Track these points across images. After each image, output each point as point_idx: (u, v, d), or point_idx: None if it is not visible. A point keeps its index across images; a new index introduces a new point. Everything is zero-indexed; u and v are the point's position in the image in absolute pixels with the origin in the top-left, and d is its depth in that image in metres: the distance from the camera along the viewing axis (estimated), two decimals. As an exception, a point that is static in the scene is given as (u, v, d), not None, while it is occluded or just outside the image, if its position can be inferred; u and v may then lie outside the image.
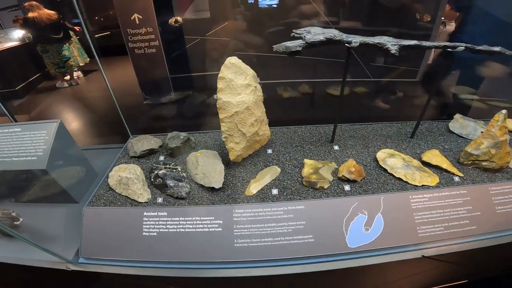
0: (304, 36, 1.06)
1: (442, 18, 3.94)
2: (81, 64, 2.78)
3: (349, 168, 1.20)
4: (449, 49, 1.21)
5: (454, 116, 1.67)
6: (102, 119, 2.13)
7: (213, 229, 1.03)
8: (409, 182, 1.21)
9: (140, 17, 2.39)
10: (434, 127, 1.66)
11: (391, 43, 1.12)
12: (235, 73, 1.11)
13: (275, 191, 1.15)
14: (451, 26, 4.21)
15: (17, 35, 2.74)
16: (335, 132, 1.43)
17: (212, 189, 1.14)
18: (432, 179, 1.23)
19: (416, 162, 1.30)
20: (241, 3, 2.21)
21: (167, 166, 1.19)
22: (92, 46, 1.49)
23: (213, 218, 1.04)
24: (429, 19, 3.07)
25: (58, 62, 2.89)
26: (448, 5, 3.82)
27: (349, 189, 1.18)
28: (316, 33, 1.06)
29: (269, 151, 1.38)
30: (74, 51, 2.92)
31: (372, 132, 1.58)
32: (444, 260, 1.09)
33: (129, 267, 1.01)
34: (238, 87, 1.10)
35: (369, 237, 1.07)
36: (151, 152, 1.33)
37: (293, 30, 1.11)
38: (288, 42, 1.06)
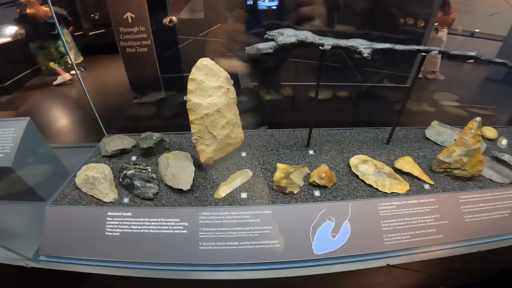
0: (276, 38, 1.04)
1: (436, 24, 3.94)
2: (77, 62, 2.70)
3: (320, 173, 1.19)
4: (423, 53, 1.20)
5: (431, 123, 1.67)
6: (84, 117, 2.08)
7: (178, 231, 1.01)
8: (379, 189, 1.21)
9: (133, 16, 2.35)
10: (411, 133, 1.66)
11: (364, 46, 1.11)
12: (207, 74, 1.09)
13: (244, 195, 1.13)
14: (443, 32, 4.21)
15: (10, 31, 2.69)
16: (310, 136, 1.42)
17: (181, 190, 1.12)
18: (402, 186, 1.22)
19: (388, 169, 1.30)
20: (237, 5, 2.15)
21: (137, 166, 1.16)
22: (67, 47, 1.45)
23: (178, 220, 1.02)
24: (422, 25, 3.07)
25: (54, 59, 2.82)
26: (441, 11, 3.82)
27: (319, 194, 1.17)
28: (288, 35, 1.05)
29: (243, 153, 1.37)
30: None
31: (349, 137, 1.58)
32: (408, 268, 1.08)
33: (90, 265, 0.99)
34: (209, 89, 1.08)
35: (335, 244, 1.06)
36: (123, 152, 1.30)
37: (267, 32, 1.09)
38: (260, 44, 1.04)
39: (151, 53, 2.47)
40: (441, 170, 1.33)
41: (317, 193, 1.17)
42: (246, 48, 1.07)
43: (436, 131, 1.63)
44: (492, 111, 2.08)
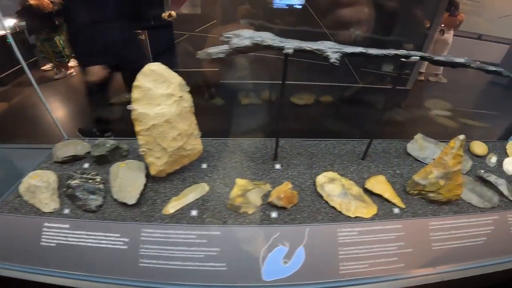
0: (230, 41, 0.93)
1: (442, 25, 3.71)
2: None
3: (279, 193, 1.10)
4: (402, 59, 1.08)
5: (415, 136, 1.54)
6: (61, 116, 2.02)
7: (118, 246, 0.96)
8: (343, 212, 1.11)
9: None
10: (392, 147, 1.55)
11: (332, 50, 0.99)
12: (155, 81, 0.99)
13: (194, 212, 1.06)
14: (449, 34, 3.98)
15: (8, 23, 2.66)
16: (277, 149, 1.32)
17: (128, 204, 1.05)
18: (368, 210, 1.12)
19: (356, 190, 1.20)
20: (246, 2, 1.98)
21: (84, 176, 1.09)
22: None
23: (119, 235, 0.97)
24: (428, 26, 2.89)
25: (60, 51, 2.77)
26: (447, 12, 3.59)
27: (276, 216, 1.08)
28: (244, 37, 0.94)
29: (204, 165, 1.29)
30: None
31: (323, 149, 1.47)
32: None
33: (22, 272, 0.95)
34: (157, 97, 0.99)
35: (286, 271, 0.99)
36: (75, 159, 1.23)
37: (223, 33, 0.98)
38: (212, 47, 0.94)
39: (145, 48, 2.41)
40: (415, 192, 1.23)
41: (274, 214, 1.09)
42: (197, 52, 0.96)
43: (419, 145, 1.51)
44: (486, 124, 1.93)
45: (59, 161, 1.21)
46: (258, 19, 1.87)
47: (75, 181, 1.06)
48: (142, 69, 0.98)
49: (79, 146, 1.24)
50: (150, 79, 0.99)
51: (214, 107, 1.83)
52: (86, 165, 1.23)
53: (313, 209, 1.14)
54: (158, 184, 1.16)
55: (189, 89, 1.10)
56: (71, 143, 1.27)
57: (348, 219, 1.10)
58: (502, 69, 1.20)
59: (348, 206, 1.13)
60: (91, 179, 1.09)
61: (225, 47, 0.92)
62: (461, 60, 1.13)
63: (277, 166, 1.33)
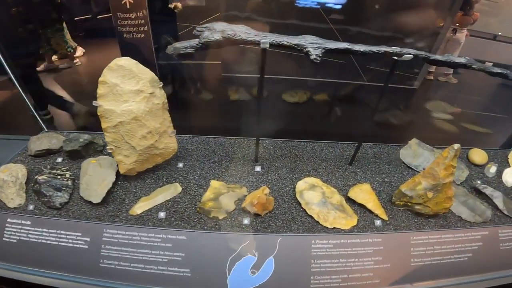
0: (201, 35, 0.86)
1: (457, 24, 3.49)
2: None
3: (253, 199, 1.04)
4: (394, 57, 0.98)
5: (410, 141, 1.44)
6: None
7: (78, 245, 0.93)
8: (320, 222, 1.05)
9: (131, 1, 2.23)
10: (384, 152, 1.46)
11: (314, 46, 0.90)
12: (123, 77, 0.93)
13: (162, 215, 1.02)
14: (462, 34, 3.74)
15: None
16: (257, 150, 1.25)
17: (99, 202, 1.01)
18: (347, 221, 1.06)
19: (337, 199, 1.13)
20: None
21: (53, 171, 1.06)
22: None
23: (80, 234, 0.94)
24: (441, 24, 2.73)
25: (67, 40, 2.67)
26: (461, 11, 3.38)
27: (248, 223, 1.03)
28: (216, 31, 0.86)
29: (180, 164, 1.23)
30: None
31: (309, 152, 1.40)
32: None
33: None
34: (124, 94, 0.94)
35: (254, 282, 0.94)
36: (49, 153, 1.20)
37: (196, 27, 0.90)
38: (180, 42, 0.87)
39: (148, 40, 2.37)
40: (402, 203, 1.15)
41: (246, 221, 1.03)
42: (167, 47, 0.89)
43: (413, 151, 1.41)
44: (489, 129, 1.80)
45: (32, 154, 1.18)
46: (281, 18, 1.70)
47: (42, 177, 1.03)
48: (109, 64, 0.92)
49: (54, 140, 1.21)
50: (117, 74, 0.93)
51: (201, 102, 1.76)
52: (59, 160, 1.20)
53: (289, 217, 1.07)
54: (129, 183, 1.12)
55: (162, 85, 1.04)
56: (46, 136, 1.23)
57: (325, 230, 1.04)
58: (509, 72, 1.08)
59: (326, 216, 1.06)
60: (60, 175, 1.06)
61: (194, 42, 0.85)
62: (461, 60, 1.03)
63: (258, 169, 1.27)
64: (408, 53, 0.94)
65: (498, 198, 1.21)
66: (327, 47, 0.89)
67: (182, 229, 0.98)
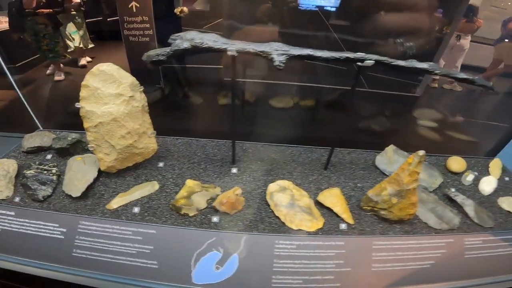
0: (173, 43, 0.93)
1: (460, 31, 3.48)
2: (90, 46, 2.46)
3: (222, 199, 1.10)
4: (358, 63, 1.00)
5: (386, 148, 1.47)
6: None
7: (55, 236, 1.01)
8: (286, 223, 1.09)
9: (138, 5, 2.36)
10: (361, 158, 1.49)
11: (278, 52, 0.95)
12: (104, 81, 1.02)
13: (136, 210, 1.09)
14: (466, 40, 3.74)
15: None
16: (234, 152, 1.31)
17: (78, 196, 1.09)
18: (313, 223, 1.09)
19: (306, 201, 1.17)
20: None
21: (41, 166, 1.15)
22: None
23: (57, 225, 1.02)
24: (447, 31, 2.75)
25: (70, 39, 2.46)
26: (464, 17, 3.38)
27: (217, 221, 1.08)
28: (186, 39, 0.93)
29: (161, 164, 1.31)
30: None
31: (287, 156, 1.45)
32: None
33: None
34: (105, 97, 1.02)
35: (217, 277, 0.99)
36: (40, 150, 1.30)
37: (171, 36, 0.98)
38: (153, 50, 0.94)
39: (152, 43, 2.48)
40: (369, 208, 1.18)
41: (215, 219, 1.09)
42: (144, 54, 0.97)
43: (388, 158, 1.44)
44: (474, 138, 1.80)
45: (25, 151, 1.28)
46: (280, 21, 1.79)
47: (30, 171, 1.12)
48: (92, 69, 1.01)
49: (45, 138, 1.31)
50: (99, 79, 1.01)
51: (190, 105, 1.84)
52: (48, 157, 1.29)
53: (257, 217, 1.12)
54: (110, 179, 1.20)
55: (142, 89, 1.12)
56: (39, 134, 1.34)
57: (290, 231, 1.08)
58: (477, 77, 1.08)
59: (293, 218, 1.10)
60: (46, 170, 1.15)
61: (166, 50, 0.92)
62: (424, 65, 1.04)
63: (234, 170, 1.33)
64: (370, 59, 0.98)
65: (469, 206, 1.22)
66: (290, 54, 0.95)
67: (153, 223, 1.04)
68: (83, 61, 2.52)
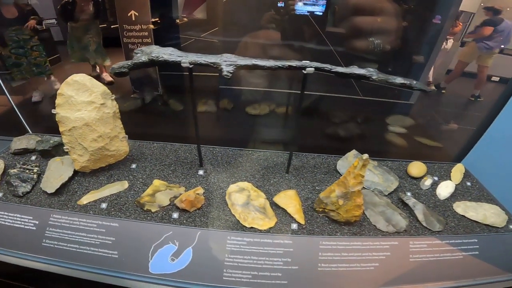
0: (135, 56, 1.06)
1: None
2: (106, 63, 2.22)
3: (182, 197, 1.20)
4: (303, 70, 1.08)
5: (348, 153, 1.55)
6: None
7: (28, 227, 1.14)
8: (240, 221, 1.19)
9: (136, 14, 2.49)
10: (325, 162, 1.57)
11: (227, 63, 1.06)
12: (78, 90, 1.15)
13: (104, 205, 1.20)
14: (449, 43, 3.81)
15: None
16: (200, 156, 1.42)
17: (52, 193, 1.22)
18: (265, 222, 1.18)
19: (260, 202, 1.26)
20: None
21: (24, 166, 1.29)
22: None
23: (31, 217, 1.15)
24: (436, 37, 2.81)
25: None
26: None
27: (177, 217, 1.19)
28: (146, 53, 1.06)
29: (133, 165, 1.43)
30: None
31: (254, 160, 1.55)
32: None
33: None
34: (78, 104, 1.15)
35: (172, 268, 1.08)
36: (26, 151, 1.45)
37: (136, 49, 1.11)
38: (118, 63, 1.07)
39: None
40: (320, 209, 1.26)
41: (175, 215, 1.19)
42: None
43: (349, 163, 1.52)
44: (440, 144, 1.85)
45: (12, 152, 1.43)
46: (280, 26, 1.95)
47: (14, 170, 1.26)
48: (67, 79, 1.15)
49: (31, 141, 1.46)
50: (73, 88, 1.15)
51: (171, 112, 1.97)
52: (33, 158, 1.44)
53: (215, 215, 1.22)
54: (85, 179, 1.33)
55: (113, 97, 1.25)
56: (26, 137, 1.49)
57: (243, 228, 1.17)
58: (415, 82, 1.13)
59: (246, 217, 1.19)
60: (28, 169, 1.29)
61: (128, 63, 1.05)
62: (361, 71, 1.10)
63: (200, 172, 1.43)
64: (310, 66, 1.07)
65: (419, 210, 1.28)
66: (238, 64, 1.05)
67: (116, 217, 1.16)
68: (108, 76, 2.28)
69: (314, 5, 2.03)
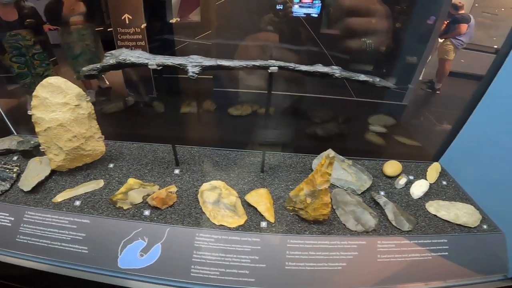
0: (104, 59, 1.11)
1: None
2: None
3: (153, 195, 1.25)
4: (268, 69, 1.10)
5: (323, 152, 1.58)
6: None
7: (4, 224, 1.19)
8: (210, 219, 1.22)
9: (130, 17, 2.56)
10: (302, 161, 1.61)
11: (192, 64, 1.10)
12: (52, 92, 1.21)
13: (77, 203, 1.25)
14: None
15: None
16: (176, 155, 1.47)
17: (29, 191, 1.28)
18: (234, 220, 1.22)
19: (231, 200, 1.29)
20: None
21: (4, 166, 1.35)
22: None
23: (8, 214, 1.21)
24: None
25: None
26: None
27: (148, 214, 1.23)
28: (114, 56, 1.11)
29: (111, 165, 1.48)
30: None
31: (230, 159, 1.59)
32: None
33: None
34: (53, 105, 1.21)
35: (141, 263, 1.12)
36: (9, 152, 1.51)
37: (106, 52, 1.16)
38: (87, 66, 1.13)
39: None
40: (291, 208, 1.29)
41: (146, 212, 1.23)
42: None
43: (324, 163, 1.54)
44: (419, 143, 1.87)
45: (-6, 152, 1.50)
46: (278, 27, 2.01)
47: (-6, 169, 1.32)
48: (42, 81, 1.21)
49: (14, 142, 1.52)
50: (48, 90, 1.21)
51: (153, 113, 2.03)
52: (15, 158, 1.50)
53: (186, 212, 1.26)
54: (62, 177, 1.38)
55: (88, 99, 1.31)
56: (9, 138, 1.55)
57: (212, 226, 1.20)
58: (378, 79, 1.15)
59: (216, 214, 1.23)
60: (9, 169, 1.35)
61: (97, 66, 1.10)
62: (325, 69, 1.13)
63: (176, 171, 1.48)
64: (274, 66, 1.10)
65: (389, 209, 1.30)
66: (203, 65, 1.09)
67: (88, 214, 1.20)
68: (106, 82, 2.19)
69: (310, 7, 2.10)
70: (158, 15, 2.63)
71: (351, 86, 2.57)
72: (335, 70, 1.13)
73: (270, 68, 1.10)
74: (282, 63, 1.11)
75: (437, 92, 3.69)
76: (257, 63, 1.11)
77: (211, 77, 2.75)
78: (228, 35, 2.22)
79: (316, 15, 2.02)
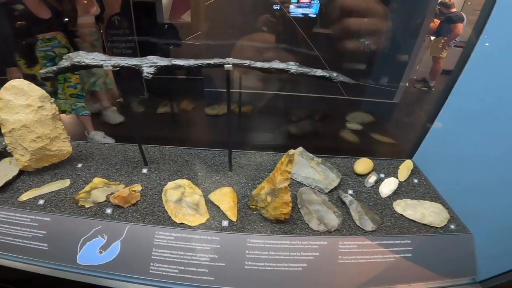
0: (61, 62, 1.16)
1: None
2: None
3: (115, 194, 1.29)
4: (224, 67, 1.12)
5: (293, 150, 1.59)
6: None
7: None
8: (172, 217, 1.26)
9: (119, 18, 2.62)
10: (272, 160, 1.64)
11: (147, 65, 1.14)
12: (16, 94, 1.27)
13: (41, 202, 1.30)
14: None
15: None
16: (143, 154, 1.51)
17: (-2, 191, 1.33)
18: (195, 218, 1.25)
19: (194, 198, 1.33)
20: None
21: (-25, 166, 1.42)
22: None
23: None
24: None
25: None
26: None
27: (110, 212, 1.27)
28: (70, 59, 1.15)
29: (79, 165, 1.53)
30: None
31: (201, 158, 1.62)
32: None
33: None
34: (16, 107, 1.27)
35: (100, 260, 1.17)
36: (-19, 152, 1.57)
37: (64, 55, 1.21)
38: (44, 69, 1.17)
39: (135, 55, 2.76)
40: (254, 207, 1.32)
41: (108, 211, 1.28)
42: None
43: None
44: (394, 140, 1.88)
45: (-33, 153, 1.57)
46: (276, 28, 2.04)
47: (-37, 170, 1.39)
48: (5, 84, 1.27)
49: (-13, 142, 1.59)
50: (11, 92, 1.27)
51: (129, 114, 2.09)
52: (-13, 158, 1.57)
53: (149, 210, 1.29)
54: (29, 177, 1.43)
55: (52, 101, 1.37)
56: (-18, 139, 1.62)
57: (173, 224, 1.24)
58: (335, 74, 1.14)
59: (177, 212, 1.27)
60: (-22, 169, 1.41)
61: (53, 68, 1.15)
62: (281, 65, 1.13)
63: (144, 171, 1.52)
64: (228, 64, 1.13)
65: (354, 208, 1.32)
66: (158, 65, 1.12)
67: (50, 212, 1.25)
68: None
69: (307, 7, 2.10)
70: (149, 16, 2.66)
71: (343, 87, 2.60)
72: (291, 66, 1.14)
73: (225, 66, 1.14)
74: (237, 61, 1.14)
75: (432, 89, 3.68)
76: (212, 61, 1.14)
77: (202, 77, 2.81)
78: (214, 36, 2.25)
79: (314, 15, 2.03)
